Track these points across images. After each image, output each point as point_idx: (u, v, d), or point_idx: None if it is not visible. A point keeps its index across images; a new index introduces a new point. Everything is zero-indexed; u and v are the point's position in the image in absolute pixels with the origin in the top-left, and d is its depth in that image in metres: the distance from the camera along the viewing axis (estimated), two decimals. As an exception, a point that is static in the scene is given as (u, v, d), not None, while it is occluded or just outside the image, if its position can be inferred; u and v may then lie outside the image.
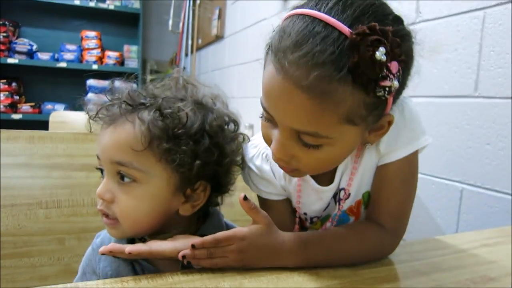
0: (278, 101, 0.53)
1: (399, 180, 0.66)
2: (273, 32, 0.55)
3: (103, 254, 0.56)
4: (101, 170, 0.64)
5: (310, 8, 0.51)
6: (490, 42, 1.05)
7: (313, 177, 0.69)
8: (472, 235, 0.81)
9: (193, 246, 0.56)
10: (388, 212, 0.66)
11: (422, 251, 0.70)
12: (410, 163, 0.67)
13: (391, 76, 0.49)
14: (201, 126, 0.62)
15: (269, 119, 0.57)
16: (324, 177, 0.69)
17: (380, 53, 0.47)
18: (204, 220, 0.71)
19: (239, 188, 0.71)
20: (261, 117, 0.59)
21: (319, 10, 0.50)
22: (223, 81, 3.09)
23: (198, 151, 0.61)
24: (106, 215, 0.62)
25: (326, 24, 0.49)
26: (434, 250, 0.71)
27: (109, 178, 0.62)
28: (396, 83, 0.50)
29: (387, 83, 0.49)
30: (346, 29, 0.48)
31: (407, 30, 0.55)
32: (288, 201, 0.75)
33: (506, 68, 1.00)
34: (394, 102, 0.57)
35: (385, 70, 0.48)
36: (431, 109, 1.21)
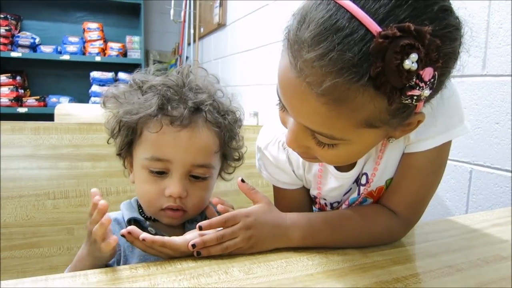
0: (292, 98, 0.49)
1: (425, 171, 0.62)
2: (292, 15, 0.48)
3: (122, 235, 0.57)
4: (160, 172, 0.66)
5: None
6: (498, 18, 1.02)
7: None
8: (483, 215, 0.80)
9: (200, 228, 0.57)
10: (405, 203, 0.63)
11: (432, 232, 0.69)
12: (440, 154, 0.61)
13: (422, 84, 0.42)
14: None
15: (285, 108, 0.53)
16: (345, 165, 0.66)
17: (411, 61, 0.40)
18: None
19: (241, 175, 0.70)
20: (277, 104, 0.55)
21: None
22: (226, 69, 3.07)
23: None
24: (176, 209, 0.67)
25: (352, 18, 0.41)
26: (445, 231, 0.70)
27: (183, 178, 0.66)
28: (427, 92, 0.43)
29: (415, 92, 0.42)
30: (375, 27, 0.40)
31: (455, 25, 0.46)
32: (303, 189, 0.74)
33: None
34: (426, 103, 0.50)
35: (414, 79, 0.41)
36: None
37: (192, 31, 3.65)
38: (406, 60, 0.40)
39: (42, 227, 0.93)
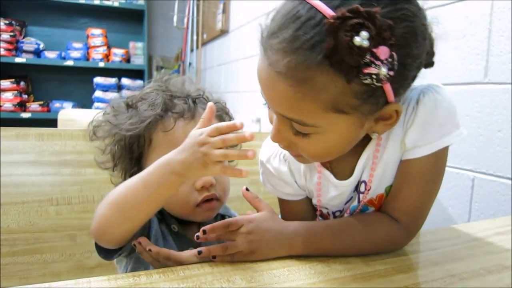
0: (265, 87, 0.53)
1: (423, 178, 0.62)
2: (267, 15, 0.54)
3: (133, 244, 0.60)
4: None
5: None
6: (500, 27, 1.03)
7: (332, 172, 0.67)
8: (485, 224, 0.80)
9: (204, 232, 0.58)
10: (405, 209, 0.63)
11: (435, 241, 0.69)
12: (437, 160, 0.61)
13: (378, 62, 0.45)
14: None
15: (268, 106, 0.57)
16: (344, 171, 0.66)
17: (361, 38, 0.43)
18: None
19: (245, 183, 0.70)
20: (264, 104, 0.58)
21: None
22: (230, 75, 3.08)
23: None
24: (211, 200, 0.71)
25: (311, 7, 0.46)
26: (447, 239, 0.70)
27: None
28: (384, 70, 0.46)
29: (372, 70, 0.45)
30: (329, 12, 0.45)
31: (412, 10, 0.50)
32: (307, 200, 0.74)
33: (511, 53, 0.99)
34: (399, 90, 0.52)
35: (368, 56, 0.45)
36: (441, 98, 1.19)
37: (195, 37, 3.67)
38: (356, 37, 0.43)
39: (45, 233, 0.93)
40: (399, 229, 0.63)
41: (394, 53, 0.46)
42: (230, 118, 0.79)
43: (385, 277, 0.54)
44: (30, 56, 3.81)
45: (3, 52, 3.62)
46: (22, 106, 3.78)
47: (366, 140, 0.62)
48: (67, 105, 3.96)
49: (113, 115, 0.71)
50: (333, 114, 0.50)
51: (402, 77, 0.51)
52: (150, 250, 0.59)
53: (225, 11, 3.11)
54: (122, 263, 0.71)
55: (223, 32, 3.15)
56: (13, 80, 3.73)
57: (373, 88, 0.48)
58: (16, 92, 3.72)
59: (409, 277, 0.55)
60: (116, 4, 4.02)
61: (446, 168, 1.19)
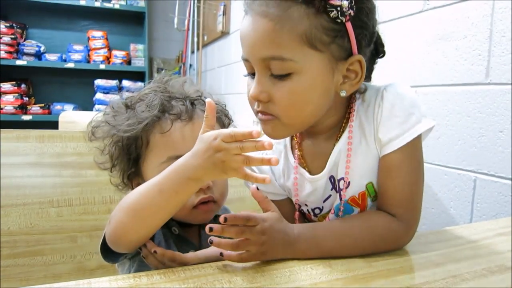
0: (248, 37, 0.59)
1: (405, 169, 0.64)
2: None
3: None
4: None
5: None
6: (501, 27, 1.02)
7: (308, 169, 0.71)
8: (487, 225, 0.80)
9: (224, 219, 0.55)
10: (398, 203, 0.65)
11: (437, 241, 0.69)
12: (414, 149, 0.64)
13: (334, 2, 0.55)
14: None
15: (249, 70, 0.62)
16: (318, 167, 0.70)
17: None
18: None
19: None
20: (246, 75, 0.64)
21: None
22: (230, 77, 3.08)
23: None
24: (208, 202, 0.71)
25: None
26: (449, 240, 0.70)
27: None
28: (346, 3, 0.56)
29: (336, 2, 0.55)
30: None
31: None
32: (288, 201, 0.77)
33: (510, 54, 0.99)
34: (360, 42, 0.60)
35: None
36: (442, 98, 1.19)
37: (195, 39, 3.67)
38: None
39: (46, 235, 0.93)
40: (398, 224, 0.64)
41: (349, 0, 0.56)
42: (230, 120, 0.79)
43: (387, 278, 0.54)
44: (31, 58, 3.81)
45: (4, 55, 3.63)
46: (23, 108, 3.78)
47: (338, 135, 0.68)
48: (68, 107, 3.96)
49: (112, 116, 0.71)
50: (308, 49, 0.57)
51: (360, 24, 0.60)
52: (155, 252, 0.59)
53: (225, 12, 3.12)
54: (125, 266, 0.71)
55: (224, 33, 3.15)
56: (14, 82, 3.73)
57: (339, 26, 0.57)
58: (17, 94, 3.72)
59: (411, 277, 0.54)
60: (116, 6, 4.03)
61: (448, 170, 1.19)
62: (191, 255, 0.59)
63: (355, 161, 0.67)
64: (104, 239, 0.63)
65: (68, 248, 0.94)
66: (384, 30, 1.41)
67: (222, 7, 3.15)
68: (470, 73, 1.11)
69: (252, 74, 0.62)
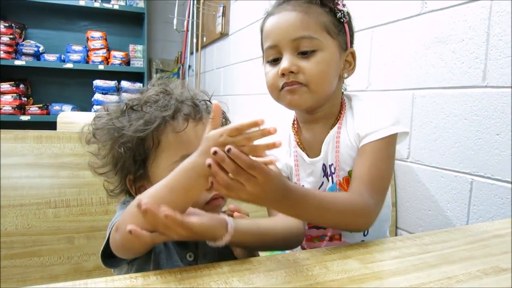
0: (281, 25, 0.80)
1: (375, 156, 0.79)
2: None
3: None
4: None
5: None
6: (498, 31, 1.03)
7: (305, 151, 0.89)
8: (483, 226, 0.80)
9: (228, 150, 0.52)
10: (362, 182, 0.77)
11: (432, 243, 0.69)
12: (387, 145, 0.80)
13: (341, 6, 0.82)
14: None
15: (273, 56, 0.81)
16: (314, 151, 0.89)
17: None
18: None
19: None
20: (268, 62, 0.83)
21: None
22: (229, 78, 3.08)
23: None
24: (219, 197, 0.71)
25: None
26: (445, 242, 0.70)
27: None
28: (346, 9, 0.83)
29: (340, 7, 0.82)
30: None
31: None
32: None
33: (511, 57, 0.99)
34: (351, 40, 0.86)
35: (336, 1, 0.82)
36: (439, 101, 1.20)
37: (195, 40, 3.68)
38: None
39: (43, 236, 0.93)
40: (361, 201, 0.74)
41: (345, 11, 0.83)
42: (227, 121, 0.80)
43: (382, 279, 0.54)
44: (30, 58, 3.81)
45: (2, 55, 3.63)
46: (21, 109, 3.78)
47: (330, 128, 0.87)
48: (67, 108, 3.96)
49: (115, 118, 0.71)
50: (326, 34, 0.80)
51: (351, 27, 0.86)
52: (166, 216, 0.52)
53: (224, 14, 3.12)
54: (123, 270, 0.70)
55: (223, 35, 3.16)
56: (12, 82, 3.73)
57: (341, 25, 0.82)
58: (15, 95, 3.72)
59: (406, 279, 0.55)
60: (116, 7, 4.04)
61: (445, 172, 1.20)
62: (198, 222, 0.56)
63: (340, 150, 0.85)
64: (105, 246, 0.62)
65: (65, 249, 0.94)
66: (382, 33, 1.42)
67: (221, 9, 3.15)
68: (467, 76, 1.11)
69: (273, 60, 0.82)
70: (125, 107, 0.71)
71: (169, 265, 0.68)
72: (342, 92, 0.91)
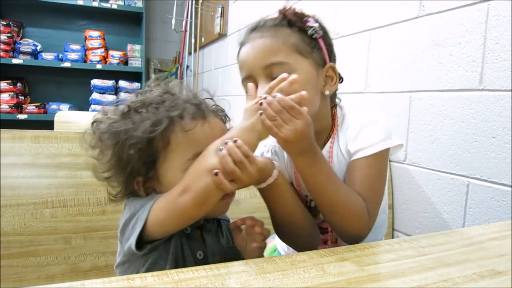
0: (250, 54, 0.80)
1: (366, 173, 0.79)
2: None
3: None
4: None
5: None
6: (495, 34, 1.04)
7: None
8: (479, 229, 0.80)
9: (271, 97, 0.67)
10: (360, 190, 0.78)
11: (429, 246, 0.69)
12: (378, 160, 0.80)
13: (312, 22, 0.81)
14: None
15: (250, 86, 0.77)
16: None
17: (297, 11, 0.82)
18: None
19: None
20: (247, 92, 0.79)
21: None
22: (227, 79, 3.08)
23: None
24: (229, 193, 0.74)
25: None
26: (441, 244, 0.70)
27: None
28: (317, 25, 0.81)
29: (310, 23, 0.81)
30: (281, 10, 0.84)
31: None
32: (293, 187, 0.86)
33: (511, 60, 1.00)
34: (330, 54, 0.84)
35: (304, 19, 0.81)
36: (436, 104, 1.20)
37: (193, 40, 3.67)
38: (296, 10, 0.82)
39: (40, 236, 0.93)
40: (364, 210, 0.77)
41: (318, 23, 0.82)
42: (226, 118, 0.80)
43: (379, 282, 0.54)
44: (28, 57, 3.80)
45: (0, 53, 3.62)
46: (18, 107, 3.77)
47: (323, 144, 0.87)
48: (64, 107, 3.95)
49: (118, 120, 0.70)
50: (298, 55, 0.78)
51: (328, 41, 0.85)
52: (238, 146, 0.63)
53: (223, 14, 3.12)
54: (133, 264, 0.69)
55: (221, 35, 3.16)
56: (10, 81, 3.72)
57: (314, 41, 0.81)
58: (12, 93, 3.71)
59: (403, 281, 0.55)
60: (114, 6, 4.03)
61: (441, 174, 1.20)
62: (261, 160, 0.69)
63: (334, 166, 0.84)
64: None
65: (62, 249, 0.94)
66: (380, 35, 1.43)
67: (219, 9, 3.15)
68: (464, 79, 1.12)
69: (250, 88, 0.77)
70: (127, 109, 0.71)
71: (182, 263, 0.70)
72: (335, 105, 0.90)
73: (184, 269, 0.56)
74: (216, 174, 0.61)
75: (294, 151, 0.71)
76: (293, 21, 0.80)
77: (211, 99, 0.78)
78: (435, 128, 1.20)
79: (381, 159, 0.81)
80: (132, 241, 0.65)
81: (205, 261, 0.72)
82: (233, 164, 0.62)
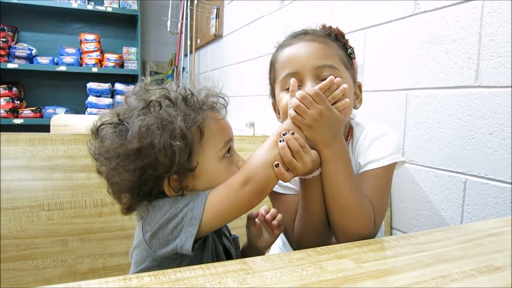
0: (303, 53, 0.83)
1: (373, 184, 0.81)
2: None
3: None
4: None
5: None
6: (490, 31, 1.04)
7: None
8: (477, 226, 0.80)
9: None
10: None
11: (427, 242, 0.69)
12: (384, 173, 0.82)
13: (350, 45, 0.90)
14: None
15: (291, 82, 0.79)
16: None
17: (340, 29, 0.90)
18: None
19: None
20: (286, 89, 0.82)
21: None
22: (223, 80, 3.08)
23: None
24: None
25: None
26: (439, 241, 0.70)
27: None
28: (353, 47, 0.90)
29: (350, 44, 0.90)
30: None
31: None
32: (297, 197, 0.85)
33: (506, 56, 1.00)
34: (356, 76, 0.91)
35: (346, 38, 0.89)
36: (432, 101, 1.20)
37: (188, 42, 3.67)
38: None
39: (36, 239, 0.92)
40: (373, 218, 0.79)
41: (353, 50, 0.90)
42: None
43: (377, 278, 0.54)
44: (23, 61, 3.80)
45: (-5, 58, 3.61)
46: (14, 112, 3.76)
47: None
48: (60, 110, 3.94)
49: (145, 119, 0.65)
50: (343, 65, 0.85)
51: (353, 67, 0.90)
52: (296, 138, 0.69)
53: (218, 16, 3.12)
54: (165, 267, 0.65)
55: (217, 37, 3.16)
56: (5, 86, 3.71)
57: (350, 60, 0.89)
58: (8, 98, 3.70)
59: (401, 278, 0.55)
60: (109, 9, 4.03)
61: (438, 171, 1.20)
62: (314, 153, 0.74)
63: None
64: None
65: (59, 252, 0.93)
66: (375, 34, 1.43)
67: (215, 11, 3.15)
68: (460, 76, 1.12)
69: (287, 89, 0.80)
70: (157, 105, 0.67)
71: (216, 257, 0.73)
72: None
73: (181, 269, 0.55)
74: (277, 165, 0.67)
75: (317, 135, 0.74)
76: (339, 37, 0.87)
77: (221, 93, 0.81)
78: (432, 125, 1.21)
79: (389, 172, 0.84)
80: (187, 242, 0.63)
81: (230, 253, 0.77)
82: (291, 155, 0.68)
